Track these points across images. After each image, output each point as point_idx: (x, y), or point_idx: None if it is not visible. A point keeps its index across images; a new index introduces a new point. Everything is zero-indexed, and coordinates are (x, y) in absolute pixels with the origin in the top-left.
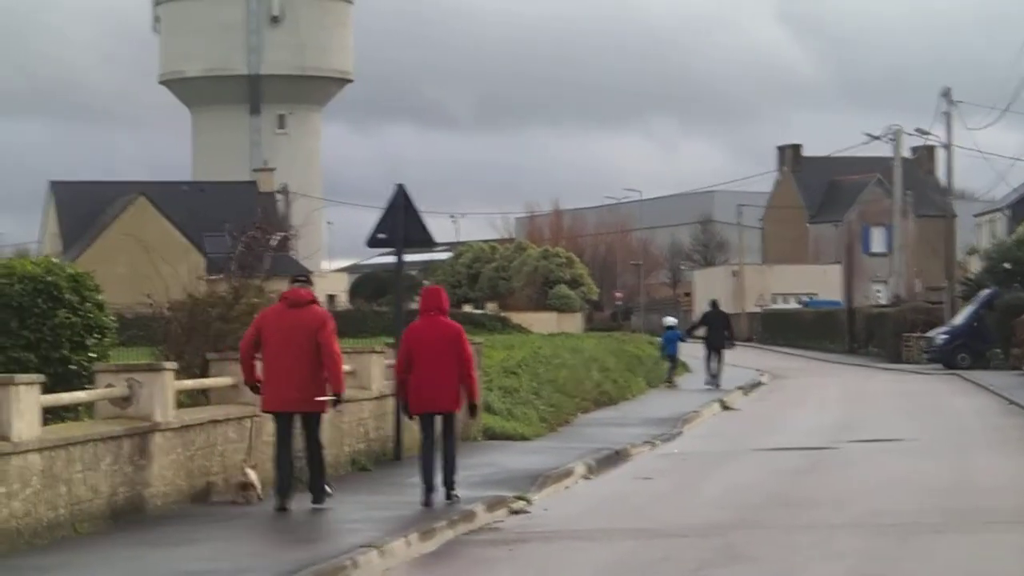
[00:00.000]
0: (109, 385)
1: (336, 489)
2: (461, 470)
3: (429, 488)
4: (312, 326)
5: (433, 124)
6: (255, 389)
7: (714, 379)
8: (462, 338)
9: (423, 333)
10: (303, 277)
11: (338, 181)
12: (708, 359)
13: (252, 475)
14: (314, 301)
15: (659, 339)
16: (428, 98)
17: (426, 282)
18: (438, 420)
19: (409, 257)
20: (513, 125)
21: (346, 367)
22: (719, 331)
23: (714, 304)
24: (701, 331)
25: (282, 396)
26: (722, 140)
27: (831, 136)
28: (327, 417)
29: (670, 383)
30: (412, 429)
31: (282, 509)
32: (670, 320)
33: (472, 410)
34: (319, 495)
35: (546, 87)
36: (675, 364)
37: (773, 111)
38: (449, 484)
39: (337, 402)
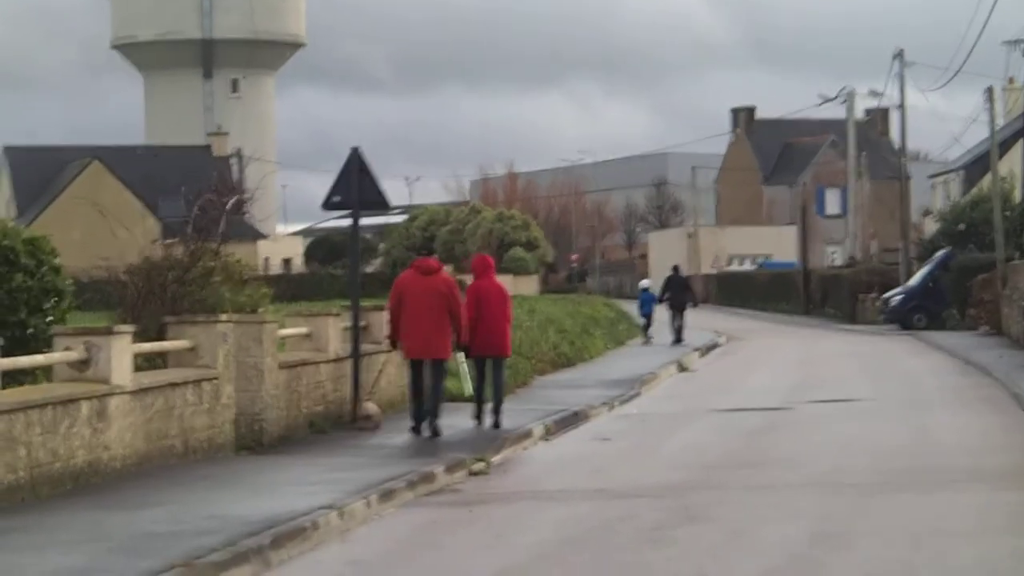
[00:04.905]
0: (67, 348)
1: (294, 451)
2: (423, 433)
3: (493, 411)
4: (443, 290)
5: (370, 88)
6: (394, 344)
7: (677, 335)
8: (506, 295)
9: (487, 289)
10: (426, 250)
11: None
12: (672, 319)
13: (371, 407)
14: (440, 268)
15: (619, 300)
16: (372, 62)
17: (382, 245)
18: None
19: (363, 220)
20: (457, 89)
21: (303, 330)
22: (680, 293)
23: (675, 269)
24: (666, 295)
25: (420, 346)
26: (669, 103)
27: (783, 99)
28: (283, 381)
29: (647, 340)
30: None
31: (416, 431)
32: (645, 282)
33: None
34: (437, 427)
35: (488, 51)
36: (650, 323)
37: (722, 74)
38: (498, 411)
39: (463, 350)
